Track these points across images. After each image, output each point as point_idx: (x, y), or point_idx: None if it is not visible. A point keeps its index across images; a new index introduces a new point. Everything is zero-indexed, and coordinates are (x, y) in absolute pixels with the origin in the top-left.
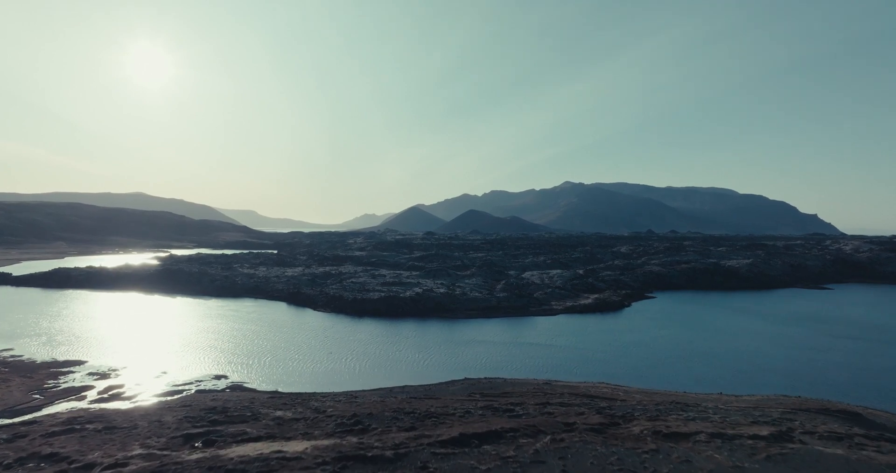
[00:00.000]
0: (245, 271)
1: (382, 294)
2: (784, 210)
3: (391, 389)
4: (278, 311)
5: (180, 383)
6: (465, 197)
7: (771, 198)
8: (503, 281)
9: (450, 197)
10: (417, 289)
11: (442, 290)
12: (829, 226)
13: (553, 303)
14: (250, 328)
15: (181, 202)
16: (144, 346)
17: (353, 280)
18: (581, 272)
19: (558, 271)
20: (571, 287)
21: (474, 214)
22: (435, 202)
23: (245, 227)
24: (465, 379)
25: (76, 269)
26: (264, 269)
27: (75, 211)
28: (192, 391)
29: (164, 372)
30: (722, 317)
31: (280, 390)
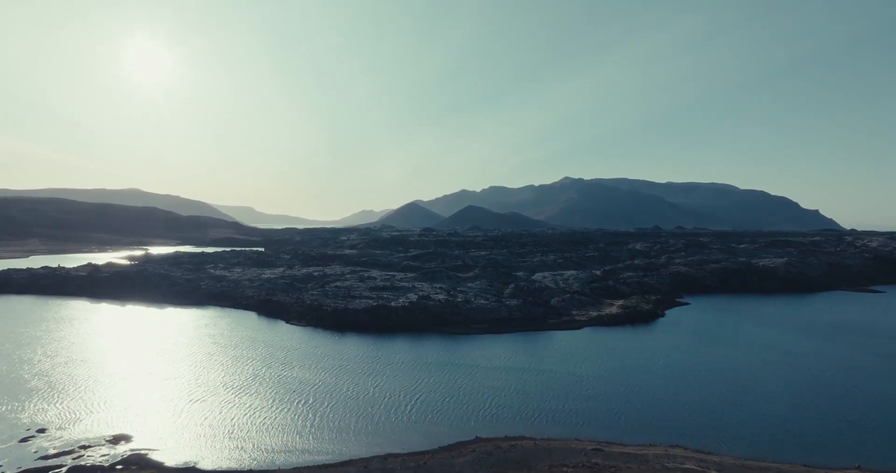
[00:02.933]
0: (216, 273)
1: (370, 301)
2: (786, 206)
3: (367, 465)
4: (240, 325)
5: (55, 451)
6: (464, 193)
7: (772, 193)
8: (512, 285)
9: (448, 193)
10: (412, 296)
11: (441, 297)
12: (830, 221)
13: (574, 313)
14: (189, 353)
15: (176, 198)
16: (34, 384)
17: (338, 283)
18: (599, 273)
19: (573, 272)
20: (591, 291)
21: (473, 210)
22: (433, 198)
23: (236, 223)
24: (477, 439)
25: (24, 271)
26: (239, 270)
27: (56, 206)
28: (63, 470)
29: (42, 431)
30: (778, 332)
31: (199, 465)
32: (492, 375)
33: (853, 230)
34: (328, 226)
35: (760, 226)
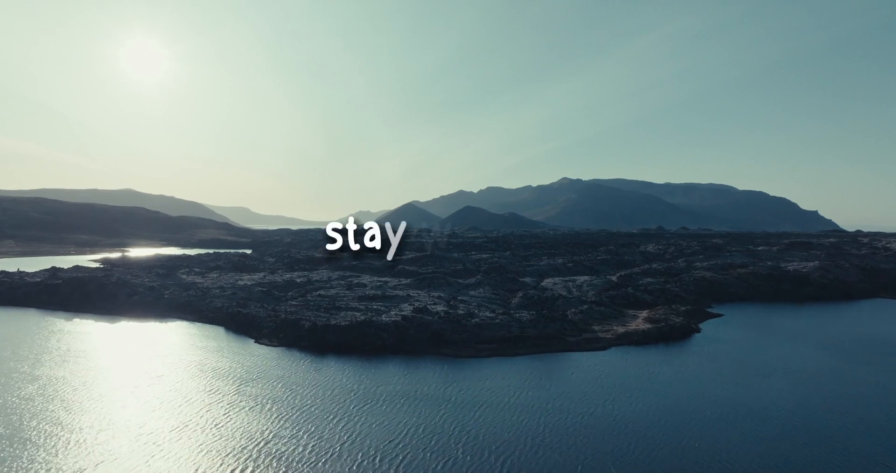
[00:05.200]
0: (187, 279)
1: (357, 315)
2: (785, 206)
3: None
4: (195, 345)
5: None
6: (461, 193)
7: (771, 194)
8: (520, 293)
9: (445, 193)
10: (406, 307)
11: (440, 308)
12: (829, 222)
13: (596, 328)
14: (106, 390)
15: (171, 199)
16: None
17: (323, 292)
18: (615, 279)
19: (585, 278)
20: (609, 300)
21: (471, 210)
22: (430, 198)
23: (227, 224)
24: None
25: None
26: (214, 276)
27: (36, 206)
28: None
29: None
30: (849, 357)
31: None
32: (504, 419)
33: (858, 231)
34: (323, 227)
35: (760, 226)
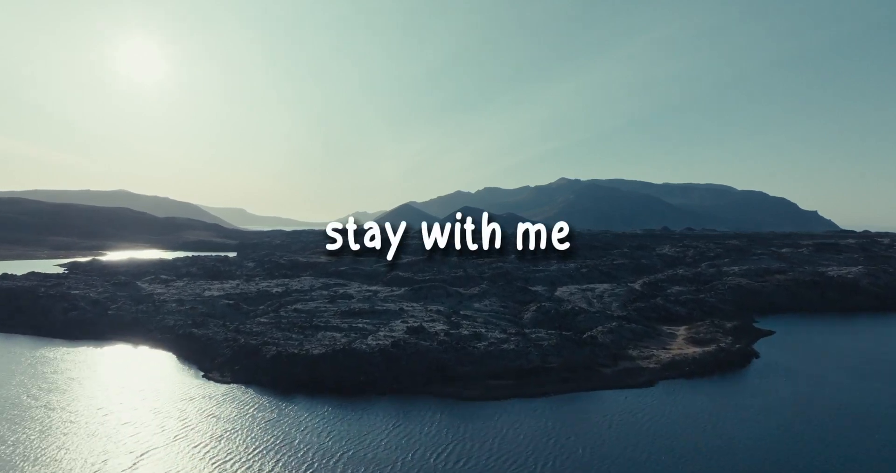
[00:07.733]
0: (147, 289)
1: (338, 336)
2: (785, 206)
3: None
4: (120, 382)
5: None
6: (459, 194)
7: (771, 194)
8: (533, 305)
9: (443, 194)
10: (398, 326)
11: (440, 327)
12: (829, 222)
13: (632, 353)
14: None
15: (165, 200)
16: None
17: (300, 305)
18: (637, 287)
19: (605, 286)
20: (638, 314)
21: (469, 211)
22: (428, 199)
23: (216, 226)
24: None
25: None
26: (180, 285)
27: (16, 207)
28: None
29: None
30: None
31: None
32: None
33: (866, 231)
34: (318, 229)
35: (760, 226)
